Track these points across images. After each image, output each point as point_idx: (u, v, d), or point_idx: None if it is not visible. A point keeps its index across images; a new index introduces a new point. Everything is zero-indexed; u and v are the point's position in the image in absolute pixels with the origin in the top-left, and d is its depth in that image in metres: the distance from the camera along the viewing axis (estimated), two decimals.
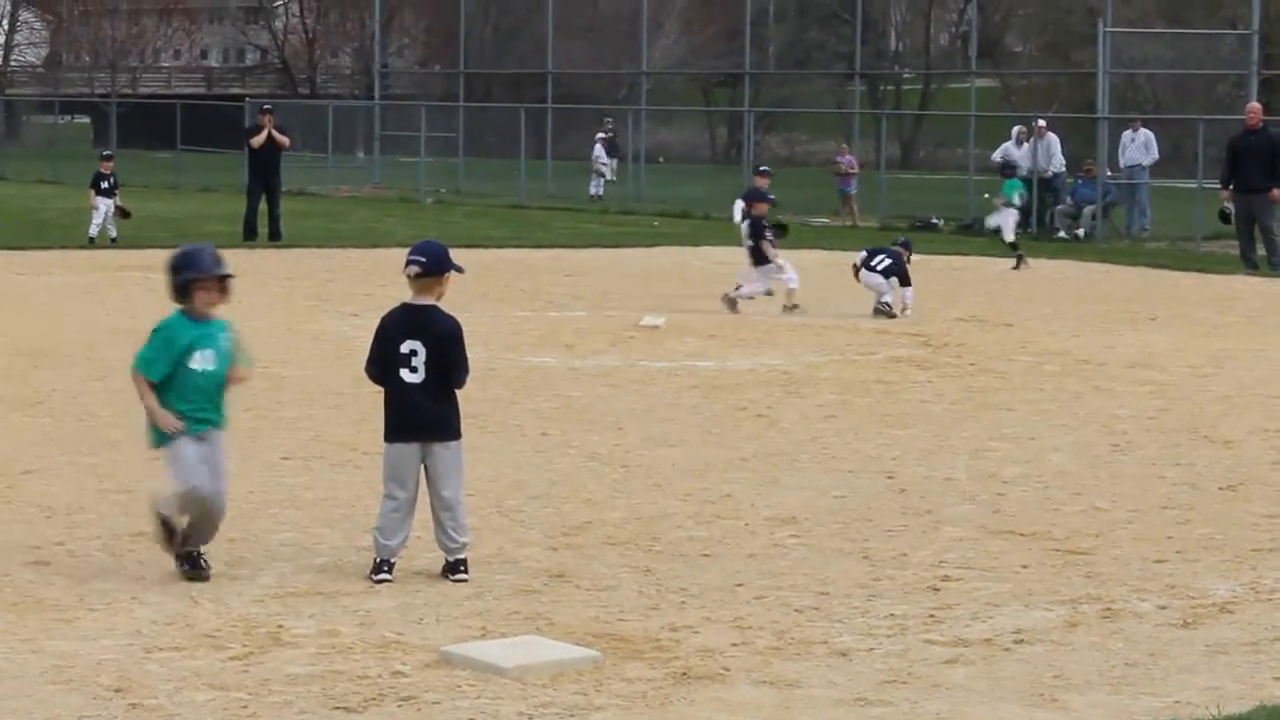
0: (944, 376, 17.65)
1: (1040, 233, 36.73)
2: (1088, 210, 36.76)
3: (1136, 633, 8.88)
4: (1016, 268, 29.50)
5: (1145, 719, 7.58)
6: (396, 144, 54.22)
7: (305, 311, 22.38)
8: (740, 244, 24.41)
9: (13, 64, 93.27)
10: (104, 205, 32.33)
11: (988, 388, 17.01)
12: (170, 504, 9.52)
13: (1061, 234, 36.61)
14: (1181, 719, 7.51)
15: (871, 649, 8.54)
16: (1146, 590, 9.67)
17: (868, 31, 58.39)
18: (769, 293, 23.52)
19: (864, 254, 23.12)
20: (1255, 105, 31.83)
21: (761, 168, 25.85)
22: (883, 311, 22.41)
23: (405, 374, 9.61)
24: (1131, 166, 37.74)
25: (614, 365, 18.18)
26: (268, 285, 25.67)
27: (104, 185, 32.37)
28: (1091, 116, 39.43)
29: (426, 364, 9.58)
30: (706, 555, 10.39)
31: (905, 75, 79.73)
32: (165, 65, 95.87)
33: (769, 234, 23.33)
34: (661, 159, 60.63)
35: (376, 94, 57.55)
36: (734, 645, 8.56)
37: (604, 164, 50.84)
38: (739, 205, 24.77)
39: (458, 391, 9.72)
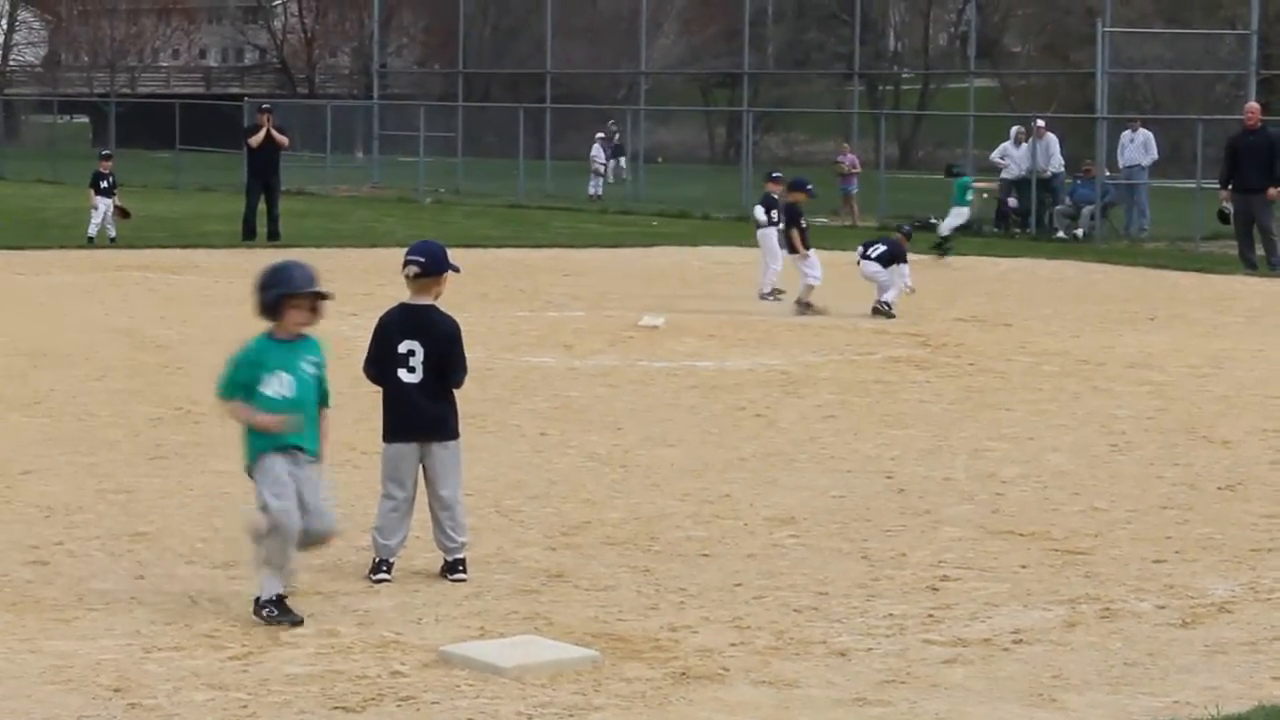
0: (943, 376, 17.65)
1: (1039, 233, 36.75)
2: (1086, 210, 36.76)
3: (1135, 633, 8.88)
4: (941, 257, 29.96)
5: (1144, 719, 7.58)
6: (395, 144, 54.23)
7: None
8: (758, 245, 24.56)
9: (11, 64, 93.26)
10: (103, 205, 32.33)
11: (986, 388, 17.01)
12: (258, 528, 8.87)
13: (1060, 234, 36.61)
14: (1180, 719, 7.51)
15: (870, 649, 8.54)
16: (1145, 590, 9.67)
17: (866, 31, 58.41)
18: (780, 292, 23.69)
19: (861, 247, 23.16)
20: (1254, 105, 31.84)
21: (775, 174, 25.85)
22: (881, 311, 22.41)
23: (403, 374, 9.61)
24: (1130, 167, 37.75)
25: (613, 365, 18.18)
26: None
27: (103, 185, 32.37)
28: (1090, 117, 39.44)
29: (424, 364, 9.58)
30: (705, 555, 10.39)
31: (904, 75, 79.73)
32: (164, 65, 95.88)
33: (803, 223, 23.41)
34: (660, 159, 60.65)
35: (375, 94, 57.56)
36: (733, 645, 8.56)
37: (601, 164, 50.83)
38: (760, 210, 24.71)
39: (456, 391, 9.73)
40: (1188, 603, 9.42)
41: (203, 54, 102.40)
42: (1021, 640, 8.71)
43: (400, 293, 9.86)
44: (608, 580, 9.77)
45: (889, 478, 12.69)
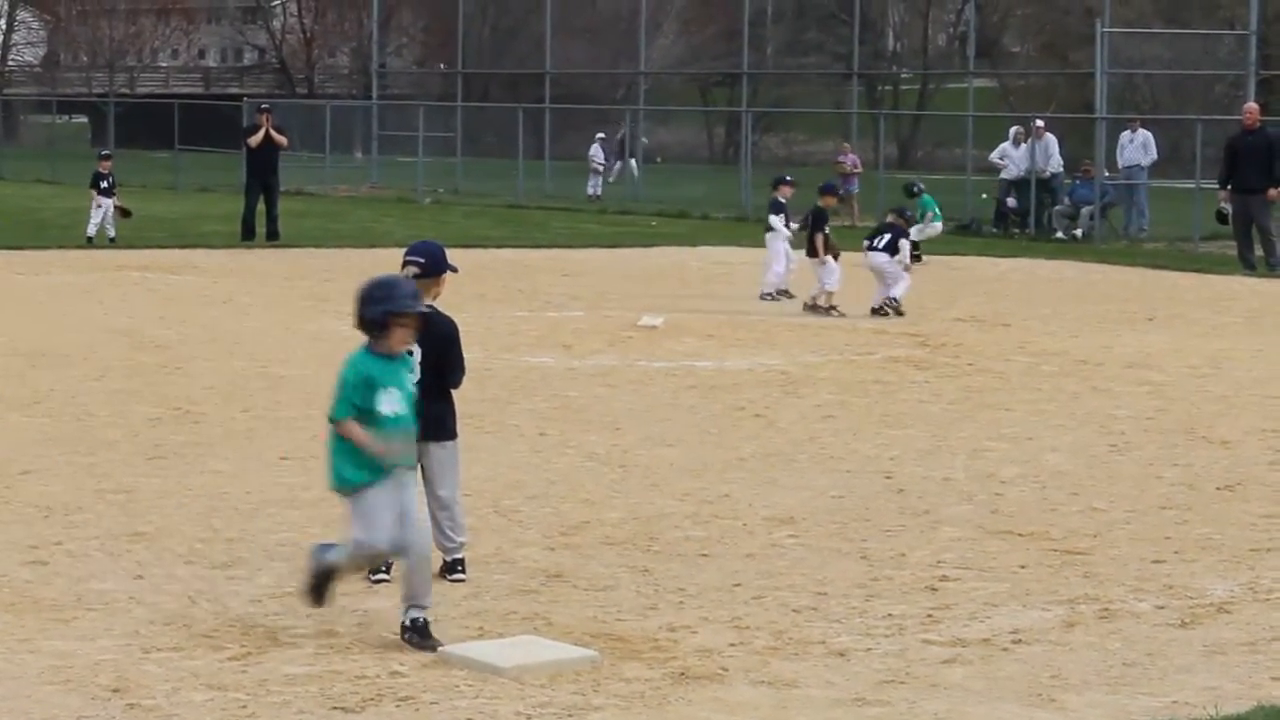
0: (942, 377, 17.65)
1: (1038, 233, 36.75)
2: (1085, 211, 36.76)
3: (1134, 633, 8.88)
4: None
5: (1143, 719, 7.58)
6: (394, 144, 54.22)
7: (303, 311, 22.38)
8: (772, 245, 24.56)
9: (10, 64, 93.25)
10: (104, 205, 32.32)
11: (986, 388, 17.01)
12: (343, 553, 8.64)
13: (1059, 234, 36.61)
14: (1179, 719, 7.51)
15: (869, 649, 8.54)
16: (1144, 590, 9.67)
17: (866, 31, 58.39)
18: (787, 293, 23.68)
19: (866, 241, 23.05)
20: (1252, 105, 31.84)
21: (787, 177, 25.88)
22: (889, 308, 22.31)
23: None
24: (1130, 167, 37.74)
25: (612, 365, 18.18)
26: (266, 285, 25.70)
27: (103, 185, 32.37)
28: (1089, 117, 39.45)
29: (423, 364, 9.56)
30: (704, 555, 10.39)
31: (903, 75, 79.74)
32: (163, 65, 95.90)
33: (827, 229, 23.33)
34: (659, 159, 60.65)
35: (374, 94, 57.59)
36: (732, 645, 8.56)
37: (600, 164, 50.83)
38: (774, 219, 24.70)
39: (454, 392, 9.72)
40: (1187, 603, 9.42)
41: (202, 54, 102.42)
42: (1020, 640, 8.71)
43: None
44: (607, 580, 9.77)
45: (888, 478, 12.69)
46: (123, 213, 32.34)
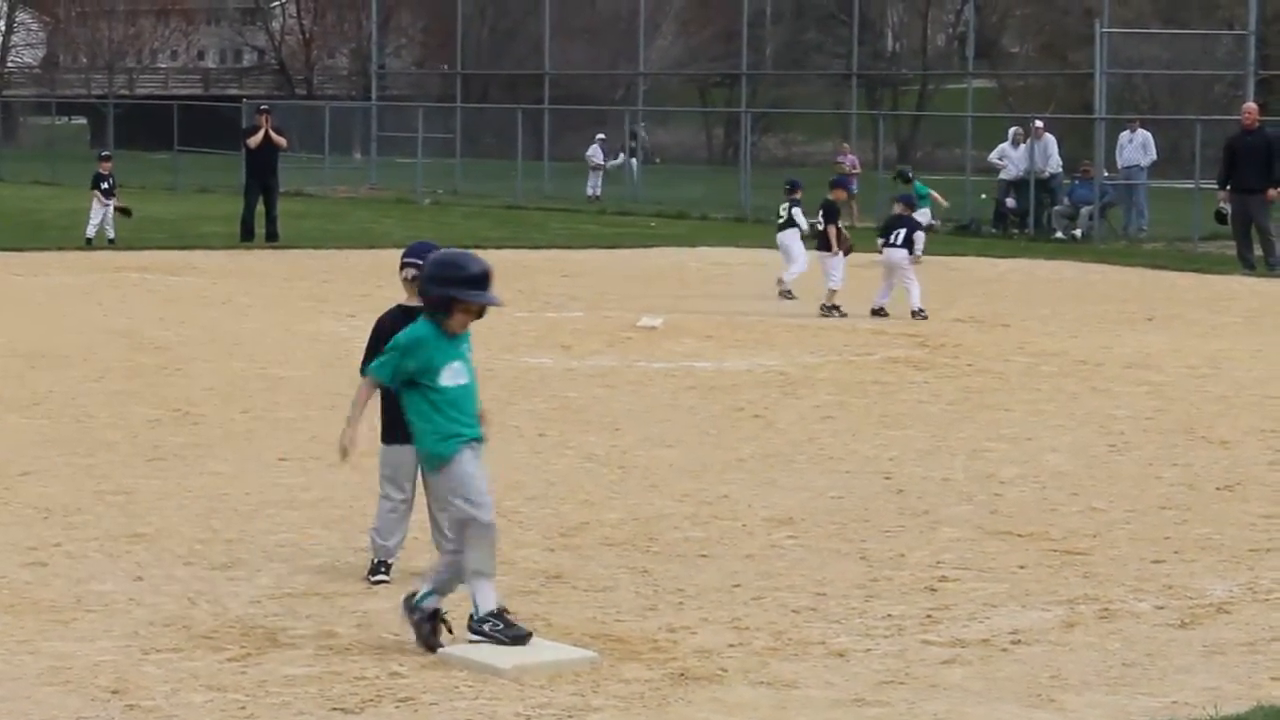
0: (941, 377, 17.65)
1: (1037, 234, 36.75)
2: (1085, 211, 36.77)
3: (1134, 633, 8.88)
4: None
5: (1142, 719, 7.58)
6: (393, 145, 54.22)
7: (302, 312, 22.38)
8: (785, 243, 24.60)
9: (10, 65, 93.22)
10: (105, 205, 32.32)
11: (985, 388, 17.01)
12: (436, 582, 8.41)
13: (1059, 235, 36.61)
14: (1179, 719, 7.51)
15: (869, 649, 8.54)
16: (1144, 590, 9.67)
17: (865, 32, 58.40)
18: (792, 292, 23.73)
19: (881, 239, 22.96)
20: (1251, 105, 31.85)
21: (794, 180, 25.97)
22: (920, 318, 22.09)
23: None
24: (1129, 167, 37.75)
25: (611, 366, 18.18)
26: (265, 286, 25.70)
27: (104, 186, 32.37)
28: (1088, 117, 39.45)
29: None
30: (704, 556, 10.39)
31: (903, 74, 79.72)
32: (162, 66, 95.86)
33: (840, 222, 23.42)
34: (658, 159, 60.64)
35: (373, 95, 57.58)
36: (731, 646, 8.56)
37: (600, 162, 50.84)
38: (796, 212, 24.74)
39: None
40: (1186, 603, 9.42)
41: (201, 55, 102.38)
42: (1020, 641, 8.70)
43: (398, 294, 9.86)
44: (606, 581, 9.77)
45: (887, 478, 12.68)
46: (123, 212, 32.34)
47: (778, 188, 26.73)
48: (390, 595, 9.36)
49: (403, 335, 8.52)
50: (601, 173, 50.73)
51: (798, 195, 25.00)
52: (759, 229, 36.24)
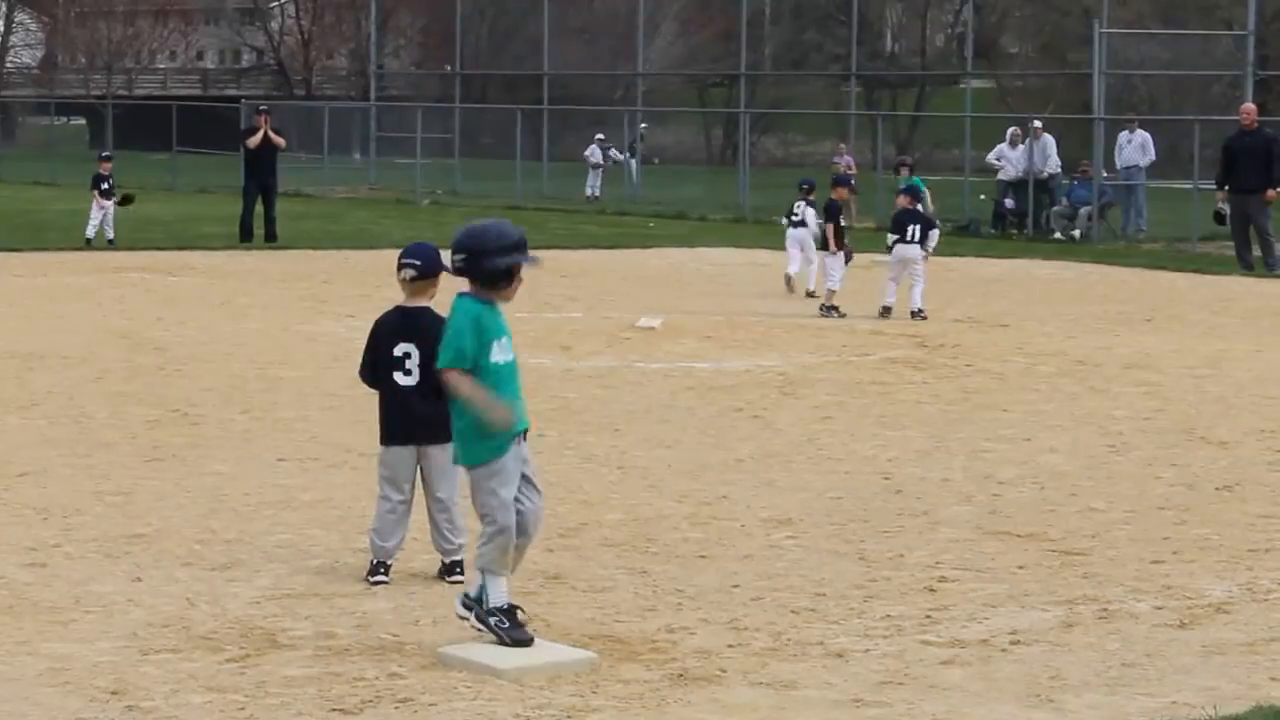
0: (940, 377, 17.65)
1: (1036, 234, 36.77)
2: (1084, 211, 36.78)
3: (1133, 633, 8.88)
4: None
5: (1141, 719, 7.58)
6: (392, 145, 54.24)
7: (301, 313, 22.38)
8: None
9: (8, 65, 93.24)
10: (106, 206, 32.31)
11: (984, 389, 17.01)
12: (490, 555, 8.28)
13: (1057, 235, 36.62)
14: (1178, 719, 7.51)
15: (868, 650, 8.54)
16: (1143, 591, 9.67)
17: (864, 33, 58.39)
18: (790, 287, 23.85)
19: (892, 236, 22.69)
20: (1250, 106, 31.87)
21: (809, 180, 26.04)
22: (920, 319, 22.04)
23: (399, 377, 9.61)
24: (1128, 167, 37.76)
25: (610, 366, 18.19)
26: (264, 286, 25.70)
27: (104, 186, 32.37)
28: (1087, 117, 39.46)
29: (421, 366, 9.57)
30: (703, 556, 10.39)
31: (901, 75, 79.73)
32: (161, 67, 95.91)
33: (841, 220, 23.50)
34: (656, 160, 60.65)
35: (372, 95, 57.64)
36: (730, 646, 8.56)
37: (598, 163, 50.83)
38: (809, 213, 24.78)
39: None
40: (1185, 603, 9.42)
41: (200, 56, 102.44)
42: (1019, 641, 8.71)
43: (397, 294, 9.86)
44: (605, 582, 9.77)
45: (886, 479, 12.68)
46: (127, 200, 32.31)
47: (777, 188, 26.82)
48: (390, 596, 9.37)
49: (459, 319, 8.22)
50: (601, 172, 50.74)
51: (812, 196, 25.04)
52: (758, 229, 36.27)
